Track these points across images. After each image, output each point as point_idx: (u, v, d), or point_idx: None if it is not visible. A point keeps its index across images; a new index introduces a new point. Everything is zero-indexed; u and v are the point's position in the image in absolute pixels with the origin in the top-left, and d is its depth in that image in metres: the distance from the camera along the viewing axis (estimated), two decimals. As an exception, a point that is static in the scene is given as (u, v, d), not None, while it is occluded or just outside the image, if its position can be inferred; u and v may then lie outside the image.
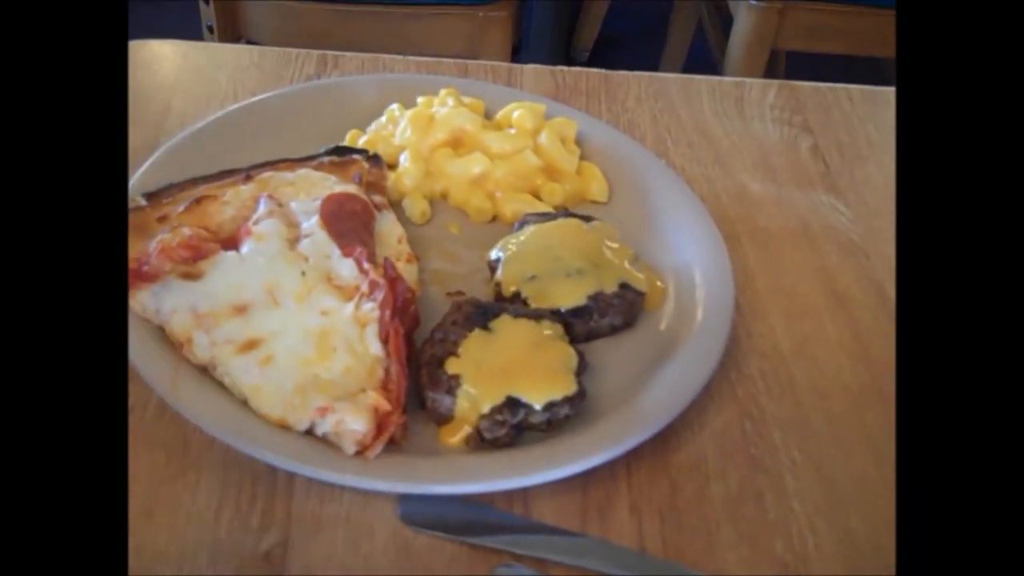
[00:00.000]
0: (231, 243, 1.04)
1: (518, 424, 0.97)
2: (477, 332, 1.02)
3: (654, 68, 2.32)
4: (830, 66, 2.67)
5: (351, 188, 1.12)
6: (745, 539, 0.95)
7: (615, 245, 1.15)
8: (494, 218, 1.24)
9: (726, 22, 2.68)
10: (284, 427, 0.93)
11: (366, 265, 1.00)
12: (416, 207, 1.22)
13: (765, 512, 0.97)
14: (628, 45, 3.88)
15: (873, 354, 1.13)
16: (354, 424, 0.91)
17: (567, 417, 0.98)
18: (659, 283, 1.14)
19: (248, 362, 0.95)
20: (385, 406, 0.93)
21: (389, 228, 1.14)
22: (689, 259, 1.18)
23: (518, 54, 2.06)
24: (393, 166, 1.25)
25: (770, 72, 2.59)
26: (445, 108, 1.29)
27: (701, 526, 0.96)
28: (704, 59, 3.17)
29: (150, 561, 0.88)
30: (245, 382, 0.95)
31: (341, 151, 1.20)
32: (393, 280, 1.00)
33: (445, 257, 1.19)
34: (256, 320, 0.98)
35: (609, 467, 0.97)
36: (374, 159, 1.20)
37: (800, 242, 1.25)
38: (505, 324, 1.03)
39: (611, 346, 1.10)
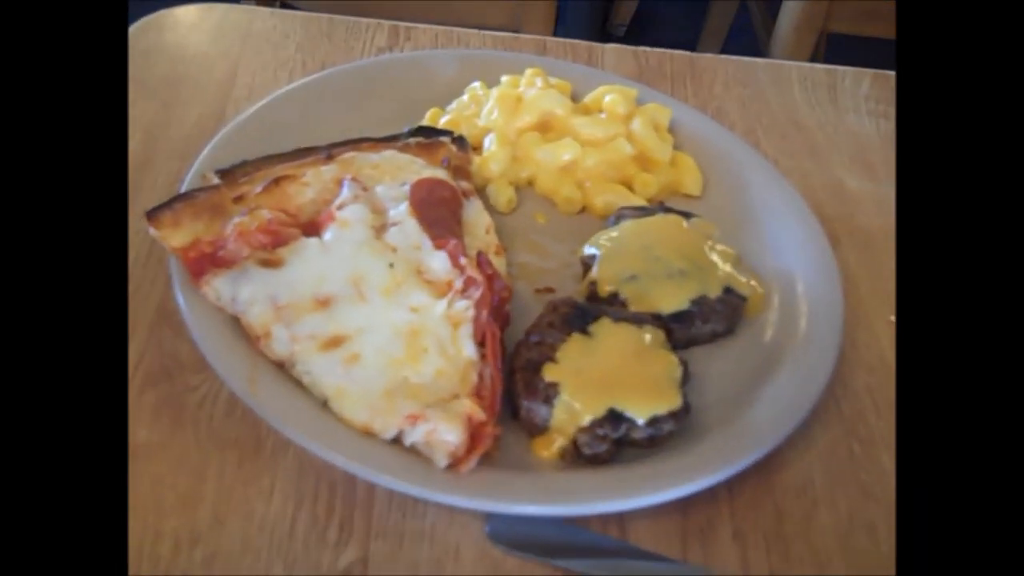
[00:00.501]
0: (312, 229, 0.97)
1: (619, 439, 0.90)
2: (576, 336, 0.94)
3: (691, 47, 2.23)
4: (870, 50, 2.57)
5: (439, 173, 1.04)
6: (857, 573, 0.88)
7: (718, 246, 1.07)
8: (583, 209, 1.17)
9: (772, 1, 2.59)
10: (369, 433, 0.86)
11: (462, 260, 0.92)
12: (503, 195, 1.14)
13: (878, 545, 0.90)
14: (666, 21, 3.79)
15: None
16: (447, 435, 0.84)
17: (670, 433, 0.91)
18: (760, 288, 1.06)
19: (332, 360, 0.88)
20: (480, 415, 0.86)
21: (476, 217, 1.06)
22: (791, 262, 1.10)
23: (554, 28, 1.98)
24: (477, 149, 1.17)
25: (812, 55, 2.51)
26: (533, 89, 1.21)
27: (809, 556, 0.89)
28: (743, 39, 3.03)
29: (222, 572, 0.82)
30: (328, 382, 0.88)
31: (426, 132, 1.12)
32: (490, 277, 0.92)
33: (532, 250, 1.11)
34: (341, 315, 0.91)
35: (710, 488, 0.90)
36: (460, 141, 1.13)
37: None
38: (605, 329, 0.95)
39: (711, 354, 1.03)
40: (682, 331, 1.01)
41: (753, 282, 1.06)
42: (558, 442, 0.90)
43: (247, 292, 0.91)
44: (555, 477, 0.87)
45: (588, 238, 1.12)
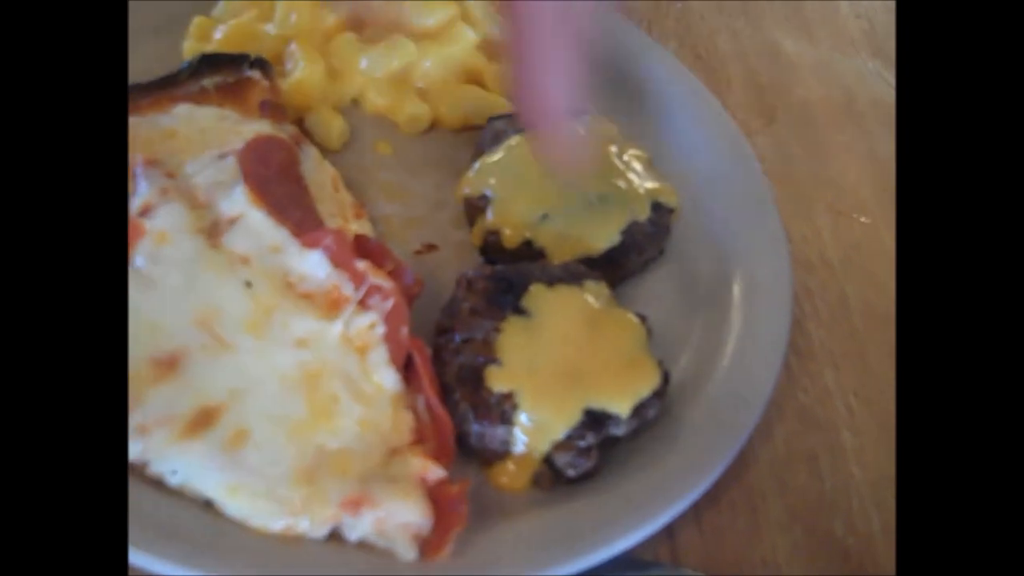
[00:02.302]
0: (111, 252, 0.65)
1: (603, 444, 0.70)
2: (512, 320, 0.72)
3: None
4: None
5: (264, 126, 0.74)
6: (794, 514, 0.74)
7: (629, 149, 0.85)
8: (432, 125, 0.90)
9: None
10: (290, 540, 0.60)
11: (362, 264, 0.65)
12: (332, 127, 0.86)
13: (820, 480, 0.76)
14: None
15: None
16: (406, 515, 0.61)
17: (655, 418, 0.72)
18: (674, 192, 0.87)
19: (206, 449, 0.61)
20: (435, 471, 0.63)
21: (316, 171, 0.79)
22: (698, 153, 0.91)
23: None
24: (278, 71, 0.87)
25: None
26: (325, -28, 0.90)
27: (742, 499, 0.75)
28: None
29: None
30: (209, 480, 0.61)
31: (215, 62, 0.80)
32: (394, 273, 0.67)
33: (388, 195, 0.85)
34: (198, 377, 0.63)
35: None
36: (262, 66, 0.82)
37: (844, 120, 1.01)
38: (542, 300, 0.73)
39: (641, 287, 0.84)
40: (615, 271, 0.81)
41: (667, 185, 0.86)
42: (526, 467, 0.69)
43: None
44: (554, 520, 0.66)
45: (453, 164, 0.87)
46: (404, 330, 0.66)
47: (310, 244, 0.68)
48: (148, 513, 0.60)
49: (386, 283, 0.65)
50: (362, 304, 0.66)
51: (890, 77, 1.06)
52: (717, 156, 0.91)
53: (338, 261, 0.67)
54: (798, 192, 0.93)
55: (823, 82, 1.04)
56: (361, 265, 0.66)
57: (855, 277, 0.90)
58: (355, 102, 0.90)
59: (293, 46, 0.87)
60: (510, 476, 0.69)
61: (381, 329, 0.66)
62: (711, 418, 0.74)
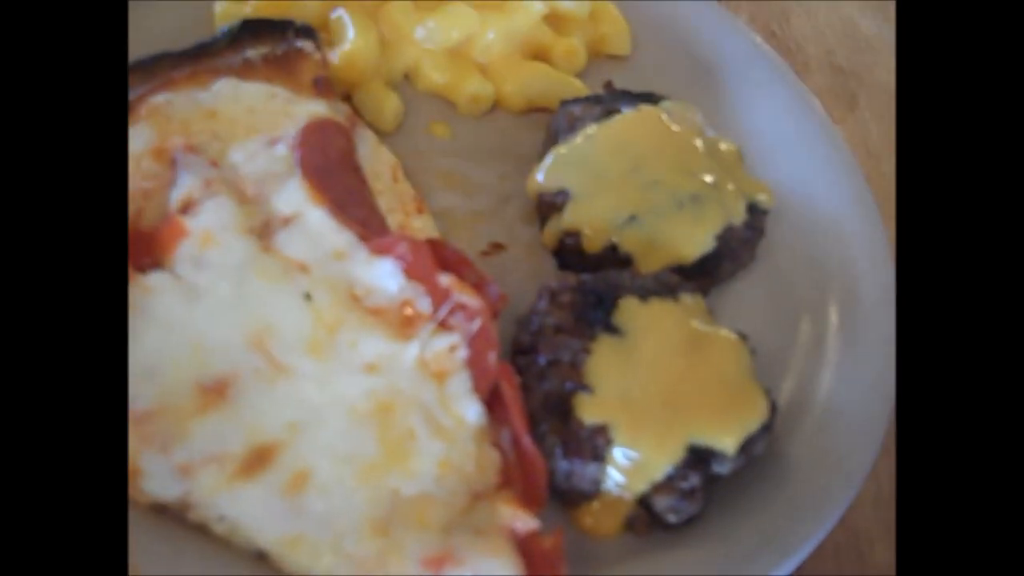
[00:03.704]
0: (148, 255, 0.55)
1: (707, 484, 0.61)
2: (603, 340, 0.62)
3: None
4: None
5: (320, 107, 0.64)
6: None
7: (720, 143, 0.76)
8: (494, 106, 0.80)
9: None
10: (360, 599, 0.51)
11: (446, 278, 0.56)
12: (385, 106, 0.76)
13: None
14: None
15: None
16: (497, 573, 0.51)
17: (761, 455, 0.63)
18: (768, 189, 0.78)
19: (262, 492, 0.52)
20: (526, 521, 0.54)
21: (373, 156, 0.69)
22: (787, 146, 0.81)
23: None
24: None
25: None
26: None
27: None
28: None
29: None
30: (264, 528, 0.51)
31: (257, 29, 0.69)
32: (479, 286, 0.57)
33: (447, 184, 0.76)
34: (251, 408, 0.53)
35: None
36: (307, 34, 0.71)
37: None
38: (634, 315, 0.64)
39: (730, 296, 0.74)
40: (707, 281, 0.72)
41: (762, 183, 0.77)
42: (618, 510, 0.60)
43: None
44: (667, 568, 0.58)
45: (518, 151, 0.78)
46: (492, 355, 0.56)
47: (380, 251, 0.58)
48: (186, 563, 0.51)
49: (473, 301, 0.56)
50: (441, 323, 0.57)
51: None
52: (808, 149, 0.81)
53: (414, 273, 0.57)
54: (886, 189, 0.84)
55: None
56: (444, 279, 0.56)
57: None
58: (407, 78, 0.80)
59: (339, 12, 0.77)
60: (600, 519, 0.61)
61: (463, 352, 0.57)
62: (820, 455, 0.66)
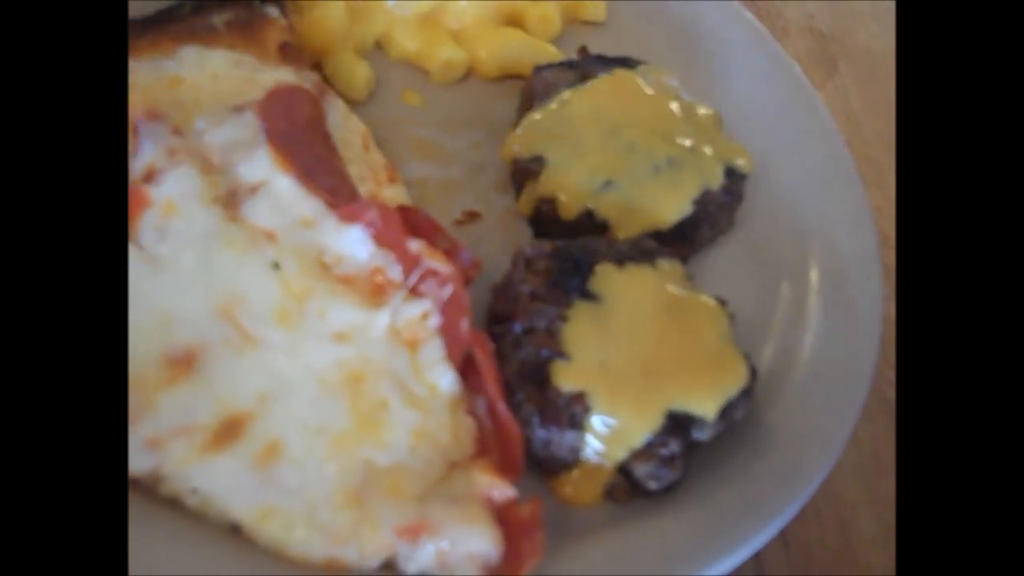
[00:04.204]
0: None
1: (687, 451, 0.61)
2: (579, 306, 0.62)
3: None
4: None
5: (287, 74, 0.63)
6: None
7: (699, 108, 0.75)
8: (467, 73, 0.79)
9: None
10: (334, 569, 0.50)
11: (416, 244, 0.54)
12: (355, 74, 0.75)
13: None
14: None
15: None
16: (474, 543, 0.51)
17: (742, 420, 0.63)
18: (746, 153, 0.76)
19: (234, 464, 0.51)
20: (504, 489, 0.53)
21: (343, 125, 0.67)
22: (765, 110, 0.80)
23: None
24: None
25: None
26: None
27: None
28: None
29: None
30: (237, 500, 0.50)
31: (220, -5, 0.67)
32: (450, 252, 0.56)
33: (421, 152, 0.75)
34: (222, 377, 0.52)
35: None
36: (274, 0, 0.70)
37: None
38: (611, 281, 0.64)
39: (709, 262, 0.73)
40: (686, 246, 0.71)
41: (740, 148, 0.76)
42: (598, 478, 0.59)
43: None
44: (638, 544, 0.57)
45: (492, 119, 0.77)
46: (465, 322, 0.55)
47: (349, 218, 0.57)
48: (160, 540, 0.50)
49: (444, 267, 0.55)
50: (412, 290, 0.56)
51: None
52: (786, 114, 0.80)
53: (384, 240, 0.56)
54: (866, 155, 0.84)
55: (887, 28, 0.93)
56: (415, 246, 0.55)
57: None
58: (379, 45, 0.79)
59: (307, -22, 0.75)
60: (579, 488, 0.60)
61: (436, 320, 0.56)
62: (801, 421, 0.65)
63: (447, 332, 0.56)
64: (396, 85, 0.78)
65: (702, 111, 0.75)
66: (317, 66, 0.74)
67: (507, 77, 0.80)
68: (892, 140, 0.86)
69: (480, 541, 0.51)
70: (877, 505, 0.67)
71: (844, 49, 0.91)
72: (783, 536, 0.64)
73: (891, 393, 0.72)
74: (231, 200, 0.57)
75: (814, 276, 0.73)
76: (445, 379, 0.56)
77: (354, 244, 0.57)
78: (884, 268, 0.78)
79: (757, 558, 0.63)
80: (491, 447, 0.56)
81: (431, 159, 0.74)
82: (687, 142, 0.72)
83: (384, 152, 0.71)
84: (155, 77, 0.60)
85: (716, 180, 0.72)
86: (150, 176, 0.56)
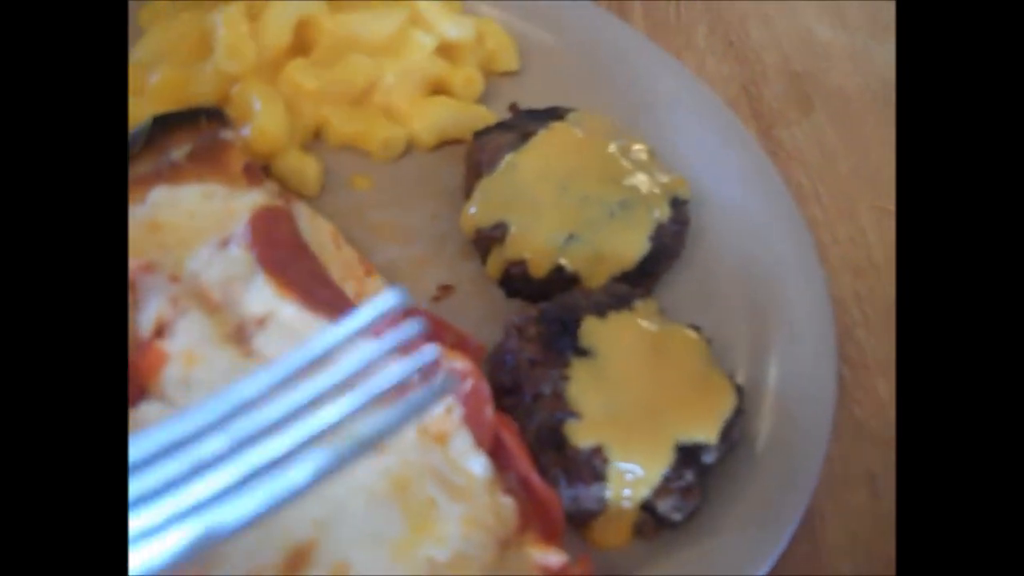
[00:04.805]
0: (133, 385, 0.55)
1: (701, 477, 0.66)
2: (577, 365, 0.66)
3: None
4: None
5: (257, 196, 0.64)
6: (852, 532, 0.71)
7: (633, 146, 0.79)
8: (407, 147, 0.82)
9: None
10: (422, 665, 0.54)
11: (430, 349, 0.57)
12: (306, 171, 0.76)
13: (878, 498, 0.73)
14: None
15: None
16: (542, 613, 0.55)
17: (739, 439, 0.68)
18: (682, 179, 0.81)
19: (306, 594, 0.53)
20: (555, 557, 0.57)
21: (312, 227, 0.69)
22: (695, 140, 0.85)
23: None
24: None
25: None
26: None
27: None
28: None
29: None
30: (316, 629, 0.53)
31: (167, 123, 0.68)
32: (461, 344, 0.59)
33: (383, 234, 0.77)
34: (278, 512, 0.54)
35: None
36: (217, 117, 0.71)
37: (882, 110, 0.96)
38: (598, 334, 0.68)
39: (670, 291, 0.78)
40: (649, 280, 0.76)
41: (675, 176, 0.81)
42: (626, 520, 0.64)
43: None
44: (692, 566, 0.62)
45: (442, 187, 0.80)
46: (488, 409, 0.59)
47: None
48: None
49: (460, 363, 0.58)
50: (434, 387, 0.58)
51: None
52: (710, 136, 0.85)
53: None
54: (839, 189, 0.88)
55: (859, 70, 0.99)
56: (430, 352, 0.58)
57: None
58: (317, 135, 0.80)
59: (240, 87, 0.76)
60: (610, 533, 0.65)
61: (459, 412, 0.59)
62: (785, 432, 0.70)
63: (472, 421, 0.59)
64: (343, 172, 0.79)
65: (636, 147, 0.79)
66: (265, 169, 0.75)
67: (446, 143, 0.82)
68: (865, 172, 0.91)
69: (548, 610, 0.55)
70: (845, 516, 0.71)
71: (819, 88, 0.96)
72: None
73: (859, 412, 0.77)
74: (241, 336, 0.58)
75: (766, 292, 0.78)
76: (478, 465, 0.59)
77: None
78: (854, 296, 0.84)
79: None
80: (532, 517, 0.59)
81: (394, 240, 0.76)
82: (631, 181, 0.76)
83: (350, 243, 0.73)
84: (133, 226, 0.61)
85: (665, 212, 0.76)
86: (161, 330, 0.57)
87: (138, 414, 0.55)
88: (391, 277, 0.73)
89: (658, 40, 0.96)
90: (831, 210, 0.87)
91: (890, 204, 0.89)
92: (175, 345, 0.57)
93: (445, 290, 0.75)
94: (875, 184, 0.91)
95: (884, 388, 0.79)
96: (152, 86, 0.75)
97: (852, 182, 0.90)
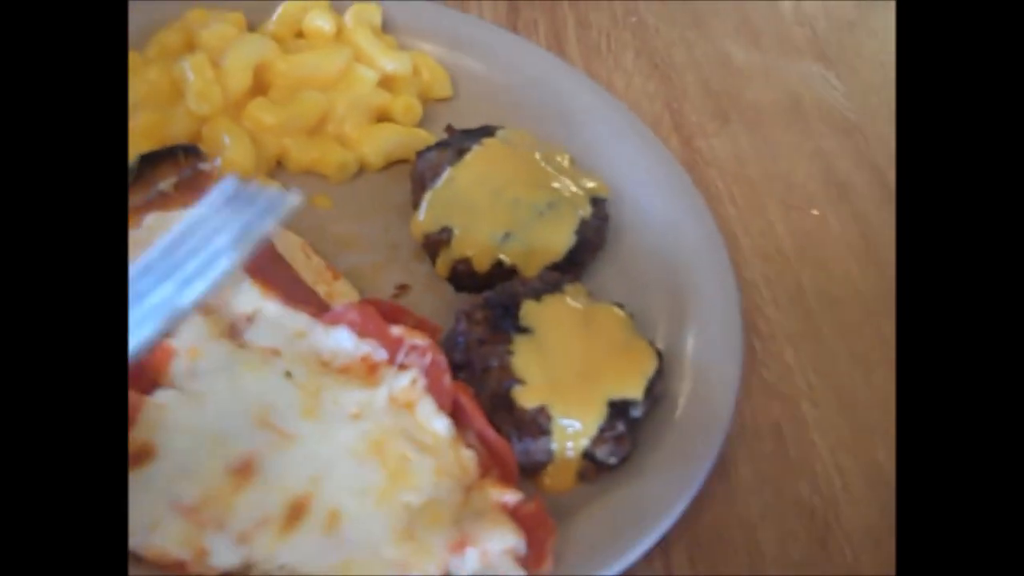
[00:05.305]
0: (147, 378, 0.66)
1: (631, 427, 0.78)
2: (518, 340, 0.77)
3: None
4: None
5: (238, 216, 0.75)
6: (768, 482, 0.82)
7: (556, 155, 0.92)
8: (359, 169, 0.93)
9: None
10: (407, 590, 0.65)
11: (397, 329, 0.69)
12: (273, 196, 0.87)
13: (785, 448, 0.84)
14: None
15: (883, 255, 0.99)
16: (506, 542, 0.66)
17: (663, 393, 0.80)
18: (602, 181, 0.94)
19: (309, 537, 0.64)
20: (511, 495, 0.69)
21: (283, 242, 0.80)
22: (609, 146, 0.98)
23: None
24: (200, 149, 0.87)
25: None
26: (210, 31, 0.91)
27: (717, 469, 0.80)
28: None
29: None
30: (319, 563, 0.64)
31: (153, 161, 0.79)
32: (421, 325, 0.71)
33: (345, 245, 0.88)
34: (276, 473, 0.65)
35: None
36: (194, 153, 0.82)
37: (791, 121, 1.09)
38: (536, 314, 0.79)
39: (599, 277, 0.90)
40: (577, 269, 0.88)
41: (593, 178, 0.93)
42: (570, 467, 0.76)
43: (135, 518, 0.60)
44: (614, 510, 0.73)
45: (392, 202, 0.91)
46: (447, 378, 0.70)
47: (333, 321, 0.70)
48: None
49: (421, 340, 0.70)
50: (400, 365, 0.70)
51: (833, 79, 1.15)
52: (620, 141, 0.98)
53: (366, 331, 0.70)
54: (752, 189, 1.01)
55: (771, 86, 1.12)
56: (396, 330, 0.70)
57: (808, 265, 0.98)
58: (279, 163, 0.91)
59: (210, 125, 0.87)
60: (558, 479, 0.76)
61: (422, 382, 0.70)
62: (699, 392, 0.81)
63: (434, 389, 0.70)
64: (305, 193, 0.88)
65: (558, 157, 0.92)
66: (235, 197, 0.86)
67: (393, 164, 0.94)
68: (774, 174, 1.04)
69: (509, 538, 0.66)
70: (756, 462, 0.82)
71: (735, 103, 1.09)
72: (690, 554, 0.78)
73: (767, 375, 0.89)
74: (234, 331, 0.69)
75: (679, 276, 0.90)
76: (441, 425, 0.70)
77: (343, 341, 0.70)
78: (764, 279, 0.96)
79: (666, 560, 0.76)
80: (490, 466, 0.71)
81: (355, 249, 0.87)
82: (556, 185, 0.88)
83: (318, 253, 0.84)
84: (133, 247, 0.72)
85: (587, 210, 0.88)
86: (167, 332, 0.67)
87: (156, 399, 0.65)
88: (354, 280, 0.84)
89: (591, 64, 1.09)
90: (744, 208, 1.00)
91: (796, 201, 1.03)
92: (181, 343, 0.67)
93: (402, 289, 0.86)
94: (783, 185, 1.04)
95: (790, 355, 0.91)
96: (134, 128, 0.85)
97: (762, 183, 1.03)
